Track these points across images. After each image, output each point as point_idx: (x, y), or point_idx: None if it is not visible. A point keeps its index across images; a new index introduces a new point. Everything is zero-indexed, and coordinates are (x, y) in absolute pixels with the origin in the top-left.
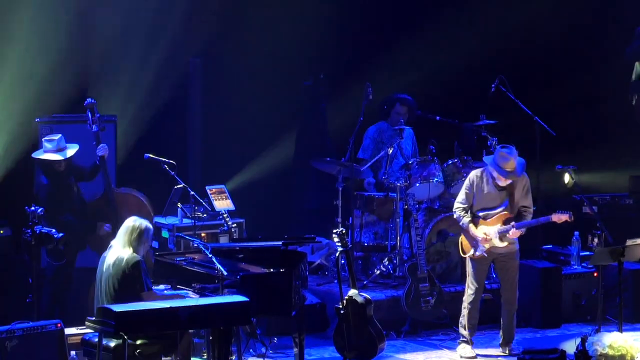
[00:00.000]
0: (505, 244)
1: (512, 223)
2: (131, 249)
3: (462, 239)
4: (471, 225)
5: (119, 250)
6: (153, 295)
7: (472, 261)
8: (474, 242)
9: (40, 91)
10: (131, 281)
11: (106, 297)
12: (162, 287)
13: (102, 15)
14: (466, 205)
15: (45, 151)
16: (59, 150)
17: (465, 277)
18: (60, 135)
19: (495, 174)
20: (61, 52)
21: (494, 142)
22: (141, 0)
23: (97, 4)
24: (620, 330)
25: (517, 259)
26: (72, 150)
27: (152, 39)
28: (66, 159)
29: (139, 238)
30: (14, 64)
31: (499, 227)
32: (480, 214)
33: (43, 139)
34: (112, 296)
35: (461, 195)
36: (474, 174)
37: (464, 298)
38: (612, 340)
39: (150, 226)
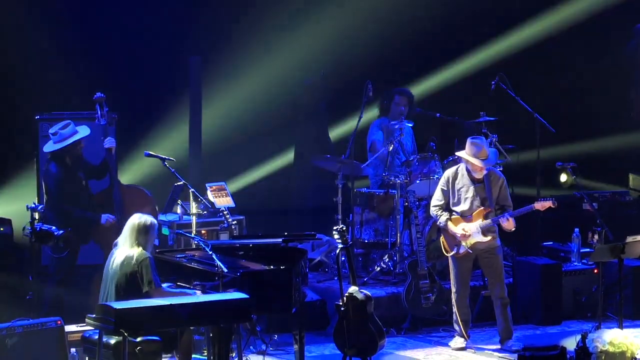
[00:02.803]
0: (489, 238)
1: (506, 213)
2: (139, 246)
3: (443, 238)
4: (449, 223)
5: (126, 249)
6: (161, 292)
7: (454, 260)
8: (455, 240)
9: (40, 89)
10: (139, 278)
11: (115, 295)
12: (165, 285)
13: (102, 15)
14: (442, 203)
15: (55, 142)
16: (71, 135)
17: None
18: (69, 121)
19: (470, 165)
20: (62, 51)
21: (494, 139)
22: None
23: (98, 4)
24: (621, 327)
25: (500, 254)
26: (84, 131)
27: (153, 37)
28: (81, 143)
29: (144, 235)
30: (15, 62)
31: (480, 222)
32: (458, 210)
33: (58, 130)
34: (119, 294)
35: (437, 193)
36: (448, 171)
37: (451, 297)
38: (612, 337)
39: (155, 221)
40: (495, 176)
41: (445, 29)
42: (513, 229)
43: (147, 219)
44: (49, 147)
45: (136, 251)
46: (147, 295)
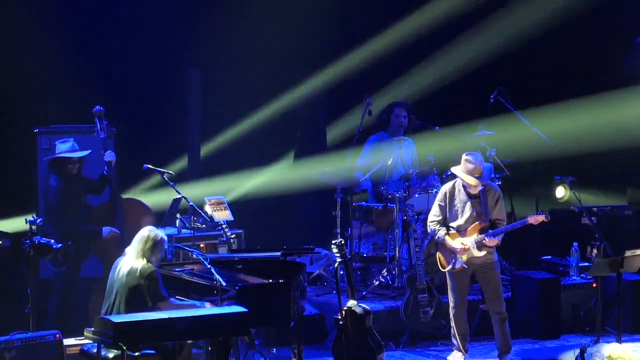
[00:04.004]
0: (484, 253)
1: (490, 232)
2: (144, 259)
3: (439, 253)
4: (447, 237)
5: (132, 260)
6: (170, 305)
7: (451, 275)
8: (452, 255)
9: (39, 102)
10: (146, 291)
11: (119, 306)
12: (172, 299)
13: (101, 27)
14: (440, 218)
15: (59, 153)
16: (73, 151)
17: None
18: (72, 138)
19: (465, 182)
20: (61, 64)
21: (493, 153)
22: (140, 12)
23: (97, 16)
24: (619, 341)
25: (497, 269)
26: (86, 152)
27: (152, 49)
28: (80, 161)
29: (152, 248)
30: (14, 75)
31: (475, 237)
32: (455, 225)
33: (56, 142)
34: (125, 306)
35: (435, 209)
36: (445, 186)
37: (449, 311)
38: (611, 351)
39: (166, 238)
40: (492, 190)
41: (444, 41)
42: (495, 244)
43: (159, 234)
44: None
45: (141, 263)
46: (154, 308)
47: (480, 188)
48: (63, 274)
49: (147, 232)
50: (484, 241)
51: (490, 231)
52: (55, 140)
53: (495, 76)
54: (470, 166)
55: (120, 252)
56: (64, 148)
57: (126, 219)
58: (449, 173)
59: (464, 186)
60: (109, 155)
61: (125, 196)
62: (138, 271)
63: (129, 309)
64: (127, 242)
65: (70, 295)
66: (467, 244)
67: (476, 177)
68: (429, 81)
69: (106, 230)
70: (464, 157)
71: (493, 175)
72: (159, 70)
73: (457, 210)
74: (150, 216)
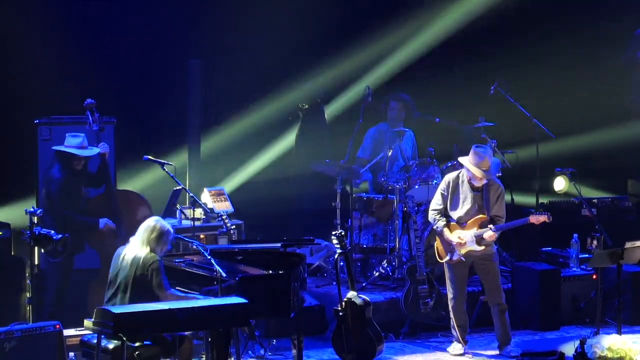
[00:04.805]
0: (483, 247)
1: (490, 226)
2: (149, 248)
3: (438, 244)
4: (445, 229)
5: (136, 249)
6: (172, 296)
7: (449, 266)
8: (449, 247)
9: (39, 93)
10: (149, 281)
11: (124, 295)
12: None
13: (101, 17)
14: (441, 207)
15: (68, 146)
16: (82, 148)
17: None
18: (84, 134)
19: (471, 174)
20: (62, 56)
21: (494, 145)
22: (141, 3)
23: (98, 7)
24: (619, 332)
25: (496, 261)
26: (94, 151)
27: (152, 40)
28: (87, 159)
29: (158, 239)
30: (14, 67)
31: (475, 231)
32: (455, 216)
33: (67, 134)
34: (130, 295)
35: (436, 197)
36: (449, 176)
37: (448, 303)
38: (610, 342)
39: (172, 230)
40: (495, 186)
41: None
42: (494, 239)
43: (165, 225)
44: (60, 147)
45: (145, 252)
46: (155, 298)
47: (485, 181)
48: (56, 265)
49: (153, 222)
50: (483, 235)
51: (493, 226)
52: (55, 131)
53: (496, 65)
54: (479, 159)
55: (115, 243)
56: (74, 143)
57: (121, 210)
58: (449, 164)
59: (469, 178)
60: (102, 147)
61: (125, 188)
62: (141, 260)
63: (134, 298)
64: (123, 233)
65: (64, 286)
66: (464, 238)
67: (483, 170)
68: (429, 71)
69: (102, 221)
70: (473, 149)
71: (500, 167)
72: (159, 62)
73: (459, 202)
74: (145, 207)
